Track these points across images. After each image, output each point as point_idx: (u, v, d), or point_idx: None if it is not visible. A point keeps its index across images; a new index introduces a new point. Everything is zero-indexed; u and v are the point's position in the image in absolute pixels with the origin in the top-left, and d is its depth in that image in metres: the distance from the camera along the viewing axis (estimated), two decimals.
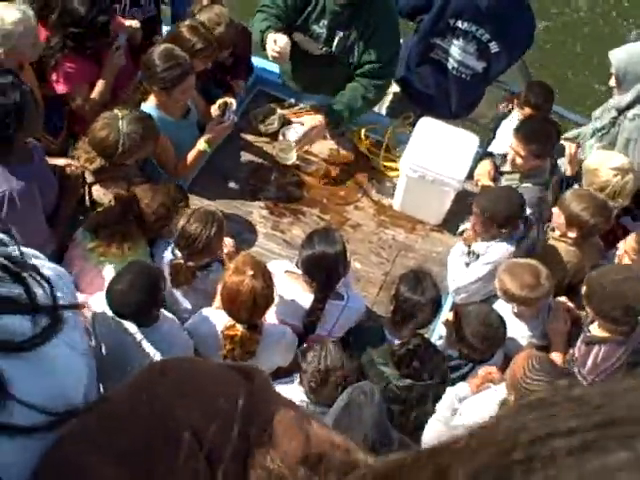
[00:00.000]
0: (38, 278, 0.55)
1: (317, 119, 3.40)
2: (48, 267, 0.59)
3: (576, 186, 3.40)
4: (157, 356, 2.43)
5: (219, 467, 0.39)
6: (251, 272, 2.38)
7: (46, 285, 0.56)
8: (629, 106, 3.61)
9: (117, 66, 3.29)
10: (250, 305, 2.39)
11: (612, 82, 3.62)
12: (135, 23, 3.39)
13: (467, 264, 3.10)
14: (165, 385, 0.54)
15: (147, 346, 2.43)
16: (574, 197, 3.07)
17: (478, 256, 3.05)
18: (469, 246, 3.11)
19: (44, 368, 0.52)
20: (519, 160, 3.19)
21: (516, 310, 2.91)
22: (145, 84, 3.15)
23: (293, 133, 3.62)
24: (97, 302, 2.51)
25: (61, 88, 3.19)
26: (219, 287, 2.55)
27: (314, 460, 0.42)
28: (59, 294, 0.57)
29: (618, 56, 3.51)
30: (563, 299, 3.09)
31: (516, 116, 3.68)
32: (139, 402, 0.53)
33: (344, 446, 0.50)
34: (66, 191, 2.80)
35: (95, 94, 3.27)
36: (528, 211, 3.04)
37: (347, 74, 3.46)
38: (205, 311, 2.66)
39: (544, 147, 3.17)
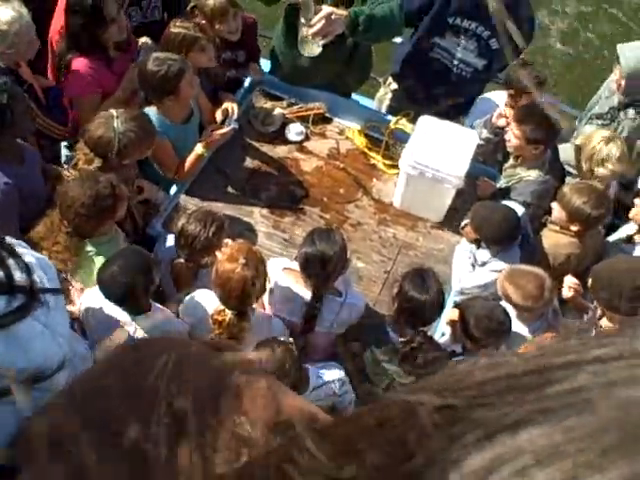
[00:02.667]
0: (18, 262, 0.56)
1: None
2: (31, 254, 0.60)
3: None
4: None
5: (188, 434, 0.39)
6: (243, 260, 2.40)
7: (24, 268, 0.56)
8: (629, 104, 3.62)
9: (133, 83, 3.25)
10: (239, 293, 2.40)
11: (614, 77, 3.62)
12: (150, 41, 3.37)
13: (473, 265, 3.11)
14: (137, 358, 0.54)
15: (140, 335, 2.45)
16: (573, 191, 3.07)
17: (484, 263, 3.07)
18: (476, 242, 3.13)
19: (17, 345, 0.53)
20: (514, 141, 3.22)
21: (516, 314, 2.90)
22: (146, 96, 3.15)
23: (294, 132, 3.63)
24: (88, 298, 2.54)
25: (72, 92, 3.19)
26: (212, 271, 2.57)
27: (284, 427, 0.42)
28: (38, 279, 0.58)
29: (630, 62, 3.48)
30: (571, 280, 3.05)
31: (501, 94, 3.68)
32: (111, 373, 0.54)
33: (315, 413, 0.50)
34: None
35: (104, 107, 3.23)
36: (522, 212, 3.05)
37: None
38: (199, 293, 2.67)
39: (538, 130, 3.17)
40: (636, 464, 0.25)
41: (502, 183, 3.48)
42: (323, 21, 2.99)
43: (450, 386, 0.32)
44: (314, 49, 3.17)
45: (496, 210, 3.07)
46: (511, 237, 3.00)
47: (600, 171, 3.30)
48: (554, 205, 3.17)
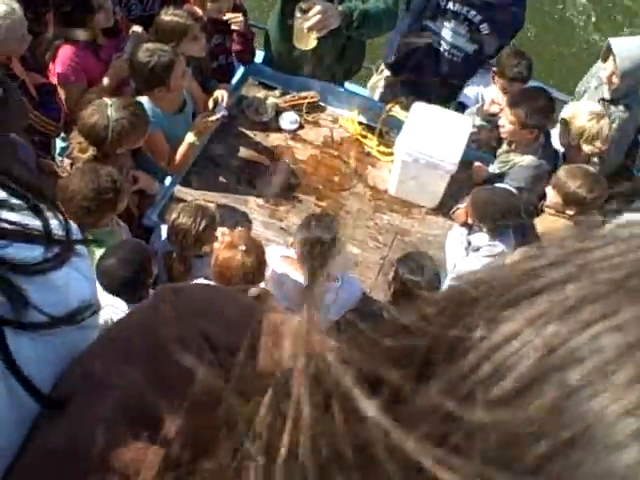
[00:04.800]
0: (54, 209, 0.57)
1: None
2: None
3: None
4: None
5: (230, 369, 0.40)
6: (243, 247, 2.42)
7: (61, 217, 0.57)
8: (619, 99, 3.62)
9: (122, 72, 3.27)
10: (239, 280, 2.41)
11: (602, 65, 3.61)
12: (140, 29, 3.36)
13: (466, 249, 3.12)
14: (178, 300, 0.56)
15: None
16: (568, 175, 3.08)
17: (478, 248, 3.08)
18: (467, 227, 3.14)
19: (55, 291, 0.54)
20: (508, 126, 3.22)
21: None
22: (138, 88, 3.15)
23: (287, 121, 3.63)
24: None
25: (58, 80, 3.19)
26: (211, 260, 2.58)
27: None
28: (73, 230, 0.59)
29: (625, 63, 3.46)
30: None
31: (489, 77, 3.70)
32: (153, 314, 0.55)
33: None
34: None
35: (92, 94, 3.22)
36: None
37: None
38: (199, 282, 2.68)
39: (533, 115, 3.18)
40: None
41: (496, 168, 3.49)
42: (319, 15, 3.01)
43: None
44: (309, 42, 3.19)
45: (496, 191, 3.09)
46: (513, 215, 3.00)
47: (587, 148, 3.32)
48: (549, 190, 3.17)
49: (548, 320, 0.27)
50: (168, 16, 3.17)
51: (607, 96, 3.62)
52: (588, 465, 0.23)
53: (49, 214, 0.56)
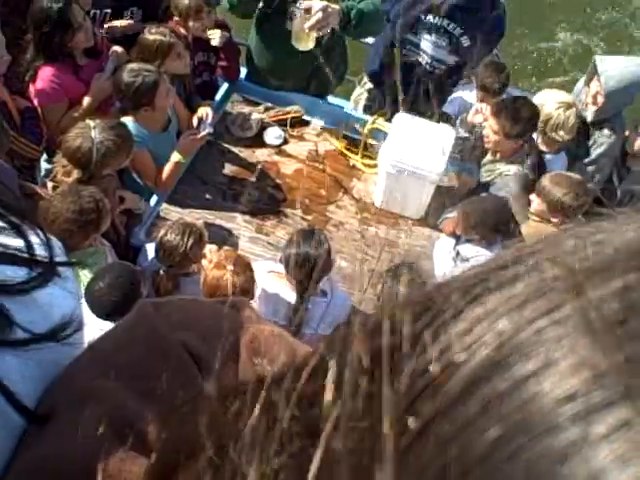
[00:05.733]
0: (36, 230, 0.58)
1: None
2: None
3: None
4: None
5: (211, 376, 0.41)
6: (231, 267, 2.42)
7: (42, 235, 0.58)
8: (602, 121, 3.62)
9: (103, 93, 3.27)
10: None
11: (590, 92, 3.57)
12: (120, 49, 3.38)
13: (454, 259, 3.13)
14: (159, 314, 0.57)
15: None
16: (552, 183, 3.10)
17: (467, 258, 3.09)
18: (455, 237, 3.15)
19: (40, 307, 0.55)
20: (493, 137, 3.25)
21: None
22: (123, 108, 3.16)
23: (272, 136, 3.65)
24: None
25: (38, 101, 3.18)
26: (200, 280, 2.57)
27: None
28: (56, 251, 0.60)
29: (609, 82, 3.45)
30: None
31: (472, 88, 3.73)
32: (135, 329, 0.56)
33: None
34: None
35: (75, 115, 3.22)
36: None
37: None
38: (181, 297, 2.68)
39: (516, 125, 3.21)
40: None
41: (481, 178, 3.51)
42: (320, 14, 3.03)
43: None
44: (309, 42, 3.20)
45: (487, 201, 3.12)
46: (505, 224, 3.01)
47: (551, 135, 3.35)
48: (533, 197, 3.20)
49: (497, 317, 0.28)
50: (152, 35, 3.19)
51: (590, 119, 3.62)
52: (533, 447, 0.24)
53: (30, 233, 0.57)
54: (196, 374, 0.50)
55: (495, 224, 2.99)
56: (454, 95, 3.83)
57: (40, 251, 0.56)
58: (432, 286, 0.33)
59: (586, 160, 3.66)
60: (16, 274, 0.53)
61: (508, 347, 0.27)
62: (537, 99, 3.51)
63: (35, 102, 3.19)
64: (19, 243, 0.55)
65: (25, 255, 0.55)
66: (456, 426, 0.26)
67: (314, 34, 3.14)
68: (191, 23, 3.43)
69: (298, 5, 3.12)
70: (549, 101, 3.45)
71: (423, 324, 0.30)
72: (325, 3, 3.08)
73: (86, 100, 3.24)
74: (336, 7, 3.14)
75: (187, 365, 0.51)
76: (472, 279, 0.31)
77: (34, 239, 0.57)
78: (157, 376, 0.46)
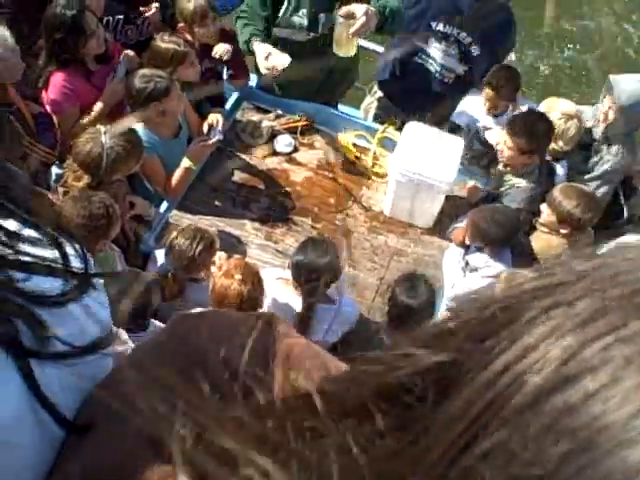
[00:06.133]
0: (72, 241, 0.59)
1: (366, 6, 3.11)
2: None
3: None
4: None
5: (248, 391, 0.42)
6: (240, 276, 2.42)
7: (79, 249, 0.59)
8: (612, 140, 3.60)
9: (116, 96, 3.29)
10: (236, 308, 2.41)
11: (605, 110, 3.54)
12: (132, 53, 3.40)
13: (463, 269, 3.13)
14: (197, 327, 0.58)
15: None
16: (563, 195, 3.09)
17: (477, 268, 3.08)
18: (465, 247, 3.15)
19: (76, 320, 0.56)
20: (507, 152, 3.24)
21: None
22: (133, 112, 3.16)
23: (282, 144, 3.66)
24: None
25: (51, 108, 3.20)
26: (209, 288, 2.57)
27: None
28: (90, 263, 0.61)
29: (622, 97, 3.43)
30: None
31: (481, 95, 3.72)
32: (173, 341, 0.58)
33: None
34: None
35: (87, 120, 3.24)
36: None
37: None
38: (211, 309, 2.68)
39: (532, 142, 3.19)
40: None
41: (491, 188, 3.50)
42: (364, 18, 3.00)
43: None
44: (351, 48, 3.17)
45: (498, 211, 3.10)
46: (515, 234, 3.02)
47: (551, 145, 3.35)
48: (543, 208, 3.18)
49: (562, 334, 0.29)
50: (165, 43, 3.20)
51: (598, 137, 3.60)
52: (604, 461, 0.25)
53: (66, 244, 0.57)
54: (234, 388, 0.50)
55: (505, 235, 2.99)
56: (463, 104, 3.82)
57: (75, 263, 0.57)
58: (483, 303, 0.34)
59: (587, 176, 3.64)
60: (52, 286, 0.54)
61: (574, 363, 0.28)
62: (543, 106, 3.52)
63: (48, 109, 3.21)
64: (54, 254, 0.56)
65: (60, 266, 0.56)
66: (524, 438, 0.27)
67: (357, 40, 3.11)
68: (196, 29, 3.45)
69: (339, 11, 3.07)
70: (554, 110, 3.45)
71: (487, 338, 0.31)
72: (366, 6, 3.04)
73: (98, 105, 3.27)
74: (373, 9, 3.10)
75: (225, 380, 0.52)
76: (526, 297, 0.32)
77: (69, 250, 0.57)
78: (197, 389, 0.46)
